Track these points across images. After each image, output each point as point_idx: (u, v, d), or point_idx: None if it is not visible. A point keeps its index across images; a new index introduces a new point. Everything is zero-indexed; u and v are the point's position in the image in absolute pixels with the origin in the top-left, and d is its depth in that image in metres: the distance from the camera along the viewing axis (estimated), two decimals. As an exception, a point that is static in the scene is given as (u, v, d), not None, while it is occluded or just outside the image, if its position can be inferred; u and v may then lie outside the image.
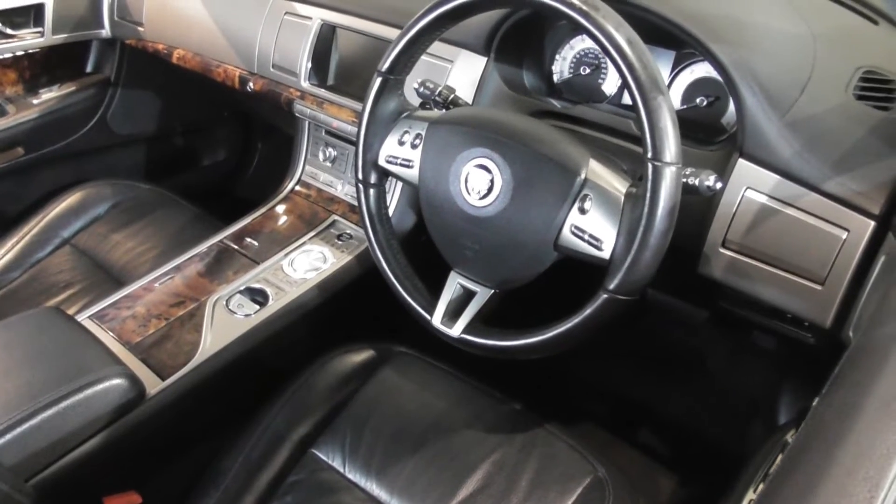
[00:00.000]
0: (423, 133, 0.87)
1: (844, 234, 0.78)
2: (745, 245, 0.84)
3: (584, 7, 0.71)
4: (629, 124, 0.95)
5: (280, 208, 1.30)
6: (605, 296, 0.74)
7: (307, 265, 1.16)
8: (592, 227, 0.75)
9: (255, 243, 1.21)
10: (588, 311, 0.75)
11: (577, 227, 0.76)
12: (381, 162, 0.91)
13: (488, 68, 1.06)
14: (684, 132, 0.95)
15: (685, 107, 1.01)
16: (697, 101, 0.99)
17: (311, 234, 1.22)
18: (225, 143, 2.00)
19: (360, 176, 0.92)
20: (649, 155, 0.70)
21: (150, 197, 1.53)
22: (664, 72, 1.02)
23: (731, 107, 0.95)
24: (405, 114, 0.90)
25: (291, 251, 1.18)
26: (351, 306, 1.19)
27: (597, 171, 0.77)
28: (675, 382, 1.43)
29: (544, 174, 0.78)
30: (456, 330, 0.85)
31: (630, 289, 0.73)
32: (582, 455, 0.92)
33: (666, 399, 1.42)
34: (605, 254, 0.74)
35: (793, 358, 1.22)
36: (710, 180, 0.75)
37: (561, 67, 1.11)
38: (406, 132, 0.89)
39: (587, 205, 0.75)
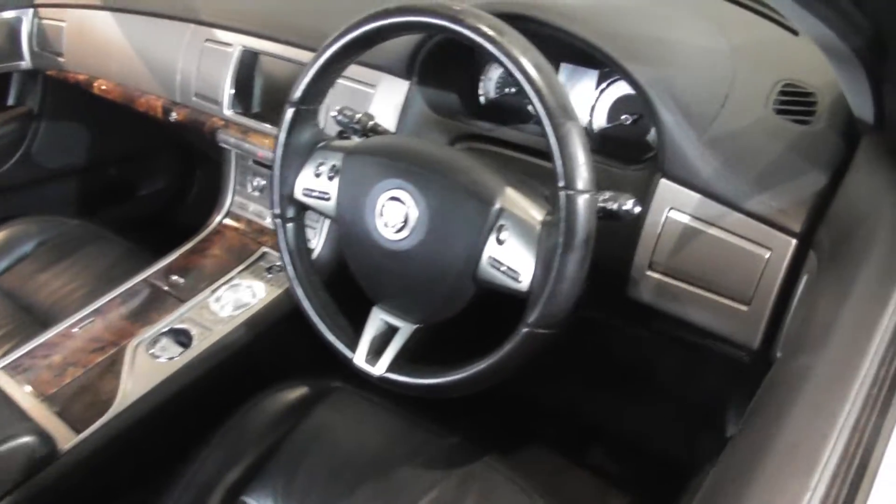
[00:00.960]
0: (340, 164, 0.84)
1: (767, 254, 0.76)
2: (671, 267, 0.82)
3: (491, 32, 0.69)
4: None
5: (208, 242, 1.25)
6: (525, 330, 0.71)
7: (235, 302, 1.11)
8: (509, 259, 0.72)
9: (182, 280, 1.17)
10: (509, 348, 0.73)
11: (494, 259, 0.73)
12: (298, 195, 0.87)
13: (412, 92, 1.03)
14: (610, 151, 0.93)
15: (610, 125, 0.99)
16: (622, 118, 0.97)
17: (240, 268, 1.17)
18: (162, 171, 1.95)
19: (277, 210, 0.89)
20: (561, 183, 0.67)
21: (78, 232, 1.47)
22: (588, 91, 1.00)
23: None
24: (321, 144, 0.87)
25: (218, 287, 1.14)
26: (284, 342, 1.14)
27: (513, 199, 0.74)
28: (626, 398, 1.41)
29: (459, 205, 0.75)
30: (379, 368, 0.82)
31: (550, 322, 0.70)
32: (521, 488, 0.89)
33: (617, 416, 1.40)
34: (523, 286, 0.72)
35: (740, 369, 1.21)
36: (629, 204, 0.73)
37: (486, 88, 1.08)
38: (322, 163, 0.85)
39: (503, 235, 0.73)
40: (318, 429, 1.00)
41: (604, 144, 1.00)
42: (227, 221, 1.29)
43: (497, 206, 0.73)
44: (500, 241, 0.73)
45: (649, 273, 0.84)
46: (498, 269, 0.73)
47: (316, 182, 0.86)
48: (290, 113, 0.85)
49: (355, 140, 0.88)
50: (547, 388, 1.42)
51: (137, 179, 1.91)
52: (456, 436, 0.99)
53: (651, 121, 0.86)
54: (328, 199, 0.85)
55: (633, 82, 0.83)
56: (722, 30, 0.91)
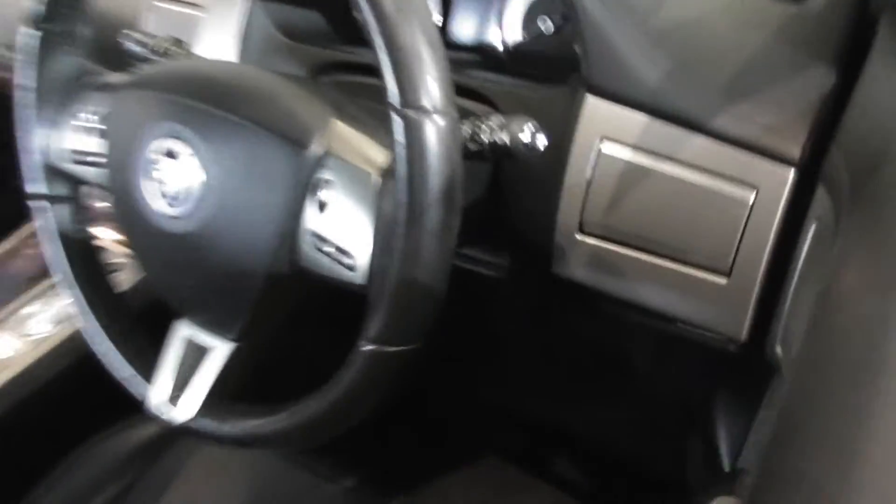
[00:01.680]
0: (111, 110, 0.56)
1: (752, 196, 0.49)
2: (610, 226, 0.55)
3: None
4: None
5: (31, 241, 0.97)
6: (367, 349, 0.44)
7: (55, 316, 0.84)
8: (337, 233, 0.45)
9: (-10, 291, 0.89)
10: (347, 378, 0.45)
11: (316, 235, 0.46)
12: (61, 162, 0.59)
13: (254, 11, 0.75)
14: (527, 74, 0.66)
15: (528, 38, 0.71)
16: (541, 23, 0.69)
17: (68, 269, 0.89)
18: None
19: (36, 188, 0.61)
20: (395, 100, 0.40)
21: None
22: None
23: None
24: (85, 82, 0.59)
25: (34, 298, 0.86)
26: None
27: (343, 137, 0.46)
28: (589, 394, 1.14)
29: (262, 153, 0.47)
30: (182, 412, 0.54)
31: (401, 335, 0.43)
32: None
33: (585, 417, 1.13)
34: (359, 276, 0.44)
35: (725, 357, 0.95)
36: (526, 132, 0.46)
37: None
38: (87, 112, 0.57)
39: (326, 195, 0.45)
40: (167, 480, 0.75)
41: (520, 65, 0.72)
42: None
43: (315, 148, 0.46)
44: (322, 206, 0.45)
45: (580, 238, 0.57)
46: (321, 251, 0.45)
47: (82, 140, 0.58)
48: (30, 38, 0.57)
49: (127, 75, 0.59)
50: (490, 387, 1.15)
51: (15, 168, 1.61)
52: (351, 477, 0.74)
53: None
54: (102, 165, 0.57)
55: None
56: None
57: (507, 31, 0.73)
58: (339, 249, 0.45)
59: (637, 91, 0.52)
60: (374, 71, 0.68)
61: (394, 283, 0.41)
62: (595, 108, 0.54)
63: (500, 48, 0.74)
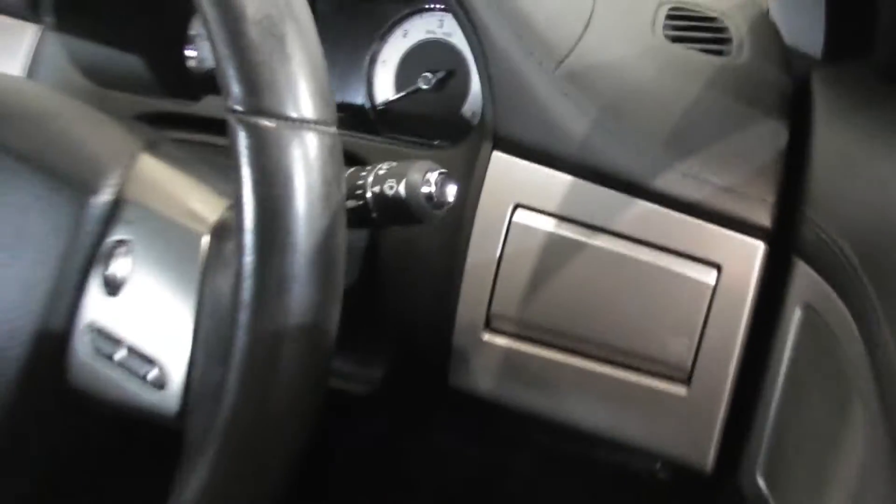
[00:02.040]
0: None
1: (713, 276, 0.38)
2: (526, 322, 0.42)
3: None
4: None
5: None
6: None
7: None
8: (136, 330, 0.28)
9: None
10: None
11: (103, 333, 0.28)
12: None
13: (46, 43, 0.57)
14: (405, 133, 0.55)
15: (403, 94, 0.60)
16: (423, 79, 0.58)
17: None
18: None
19: None
20: (238, 104, 0.25)
21: None
22: (362, 44, 0.61)
23: (475, 86, 0.56)
24: None
25: None
26: None
27: (154, 181, 0.30)
28: None
29: (17, 200, 0.29)
30: None
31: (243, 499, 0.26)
32: None
33: None
34: (171, 399, 0.27)
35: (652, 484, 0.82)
36: (430, 183, 0.33)
37: (200, 49, 0.65)
38: None
39: (121, 268, 0.28)
40: None
41: (396, 126, 0.60)
42: None
43: (107, 194, 0.29)
44: (113, 286, 0.28)
45: (487, 338, 0.43)
46: (109, 359, 0.28)
47: None
48: None
49: None
50: None
51: None
52: None
53: (472, 74, 0.48)
54: None
55: None
56: None
57: (378, 87, 0.61)
58: (137, 355, 0.27)
59: (559, 144, 0.41)
60: (212, 125, 0.53)
61: (229, 411, 0.24)
62: (505, 168, 0.42)
63: (372, 106, 0.62)
